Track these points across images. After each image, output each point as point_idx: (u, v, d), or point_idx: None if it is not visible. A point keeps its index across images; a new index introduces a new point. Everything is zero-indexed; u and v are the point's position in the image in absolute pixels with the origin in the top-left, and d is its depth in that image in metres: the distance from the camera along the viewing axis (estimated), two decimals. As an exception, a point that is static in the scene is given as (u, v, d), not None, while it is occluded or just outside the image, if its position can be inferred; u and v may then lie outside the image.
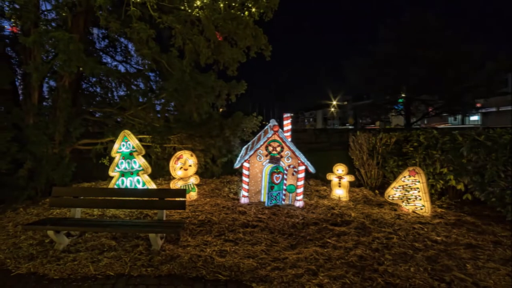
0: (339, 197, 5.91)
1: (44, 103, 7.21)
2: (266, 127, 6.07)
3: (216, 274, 3.05)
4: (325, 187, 6.93)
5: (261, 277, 2.98)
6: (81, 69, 5.84)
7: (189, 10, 6.50)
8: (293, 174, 5.53)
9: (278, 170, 5.30)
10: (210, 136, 7.83)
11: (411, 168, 5.12)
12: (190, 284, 2.92)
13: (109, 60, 9.75)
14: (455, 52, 23.17)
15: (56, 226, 3.55)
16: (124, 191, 4.78)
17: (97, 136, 7.62)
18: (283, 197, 5.50)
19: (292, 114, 5.89)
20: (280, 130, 5.53)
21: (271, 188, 5.35)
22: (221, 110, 9.88)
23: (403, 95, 27.90)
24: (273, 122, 5.77)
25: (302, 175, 5.51)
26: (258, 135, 6.46)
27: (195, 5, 6.38)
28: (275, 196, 5.42)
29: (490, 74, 23.14)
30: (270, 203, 5.39)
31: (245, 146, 6.98)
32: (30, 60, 5.97)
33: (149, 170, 5.97)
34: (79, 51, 5.33)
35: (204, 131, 7.77)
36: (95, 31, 9.05)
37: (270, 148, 5.48)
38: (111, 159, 6.17)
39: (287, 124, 5.71)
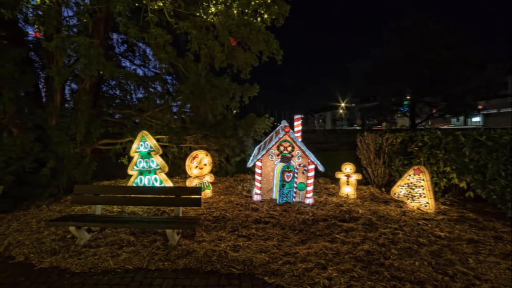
0: (347, 195, 6.02)
1: (66, 105, 7.40)
2: (278, 128, 6.17)
3: (230, 268, 3.14)
4: (334, 185, 7.01)
5: (273, 271, 3.06)
6: (101, 72, 5.94)
7: (204, 17, 6.57)
8: (303, 173, 5.63)
9: (289, 169, 5.37)
10: (224, 137, 7.92)
11: (415, 167, 5.22)
12: (205, 278, 3.00)
13: (128, 64, 9.94)
14: (457, 55, 22.84)
15: (77, 222, 3.64)
16: (142, 189, 4.88)
17: (117, 136, 7.78)
18: (294, 194, 5.59)
19: (302, 116, 5.98)
20: (291, 130, 5.65)
21: (282, 186, 5.43)
22: (234, 111, 9.97)
23: (408, 97, 27.64)
24: (284, 123, 5.86)
25: (312, 173, 5.61)
26: (270, 135, 6.57)
27: (210, 11, 6.45)
28: (286, 194, 5.51)
29: (490, 76, 22.85)
30: (282, 200, 5.48)
31: (258, 146, 7.06)
32: (52, 64, 6.14)
33: (166, 169, 6.08)
34: (99, 56, 5.38)
35: (219, 132, 7.87)
36: (114, 36, 9.22)
37: (282, 148, 5.61)
38: (130, 158, 6.31)
39: (298, 125, 5.82)
